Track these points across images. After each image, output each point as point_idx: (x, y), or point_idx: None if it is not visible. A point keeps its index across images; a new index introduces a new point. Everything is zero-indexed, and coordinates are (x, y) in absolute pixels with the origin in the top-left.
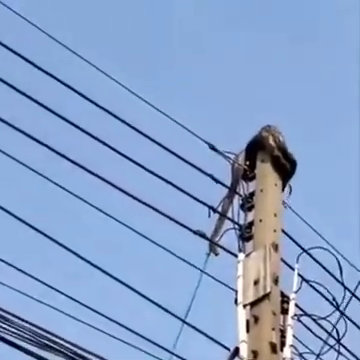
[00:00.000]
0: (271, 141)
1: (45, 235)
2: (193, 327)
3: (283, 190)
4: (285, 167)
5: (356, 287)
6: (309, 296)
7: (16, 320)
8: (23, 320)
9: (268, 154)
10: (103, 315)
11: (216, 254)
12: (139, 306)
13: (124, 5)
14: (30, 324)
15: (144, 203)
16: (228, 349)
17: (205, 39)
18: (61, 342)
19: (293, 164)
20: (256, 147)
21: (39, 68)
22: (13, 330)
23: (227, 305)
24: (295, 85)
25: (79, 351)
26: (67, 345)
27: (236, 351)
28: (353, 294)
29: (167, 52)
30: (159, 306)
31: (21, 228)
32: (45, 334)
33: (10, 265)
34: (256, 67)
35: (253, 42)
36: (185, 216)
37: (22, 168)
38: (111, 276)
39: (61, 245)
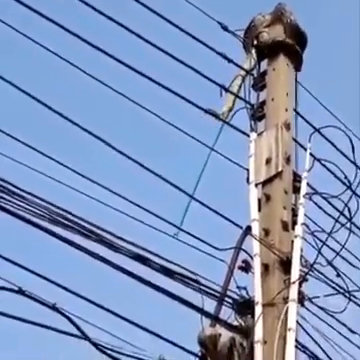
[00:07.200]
0: (283, 18)
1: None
2: (201, 203)
3: (296, 70)
4: (298, 46)
5: None
6: (321, 176)
7: (30, 197)
8: (37, 197)
9: (280, 32)
10: (114, 193)
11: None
12: (147, 183)
13: None
14: (44, 201)
15: (156, 82)
16: (240, 227)
17: None
18: (73, 218)
19: (305, 43)
20: (268, 26)
21: None
22: (28, 207)
23: (239, 185)
24: None
25: (91, 227)
26: (79, 221)
27: (248, 229)
28: None
29: None
30: (167, 181)
31: None
32: (58, 210)
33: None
34: None
35: None
36: (197, 96)
37: None
38: (119, 151)
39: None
